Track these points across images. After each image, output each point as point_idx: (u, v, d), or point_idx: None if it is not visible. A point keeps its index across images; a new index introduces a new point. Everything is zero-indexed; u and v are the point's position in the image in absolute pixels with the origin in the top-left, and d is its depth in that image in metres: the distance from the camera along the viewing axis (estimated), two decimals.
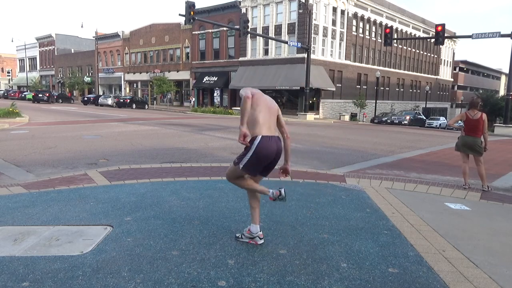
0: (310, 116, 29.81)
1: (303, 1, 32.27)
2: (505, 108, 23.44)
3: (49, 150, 9.37)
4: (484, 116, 6.46)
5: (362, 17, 40.50)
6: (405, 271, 3.17)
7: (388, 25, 39.82)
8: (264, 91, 4.86)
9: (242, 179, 3.53)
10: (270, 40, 35.41)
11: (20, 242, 3.50)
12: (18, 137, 11.84)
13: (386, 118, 33.29)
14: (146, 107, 42.94)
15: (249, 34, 26.37)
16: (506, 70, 29.63)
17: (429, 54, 53.39)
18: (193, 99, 40.66)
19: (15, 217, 4.18)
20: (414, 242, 3.81)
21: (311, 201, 5.19)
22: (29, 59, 71.87)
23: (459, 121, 7.46)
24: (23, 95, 51.47)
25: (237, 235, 3.75)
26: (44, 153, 8.93)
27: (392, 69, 45.90)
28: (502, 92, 74.49)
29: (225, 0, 38.94)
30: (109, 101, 43.07)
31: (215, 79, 39.70)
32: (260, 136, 3.30)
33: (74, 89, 58.33)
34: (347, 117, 36.49)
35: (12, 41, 64.46)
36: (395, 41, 39.06)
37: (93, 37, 58.17)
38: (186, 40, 43.28)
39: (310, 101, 31.97)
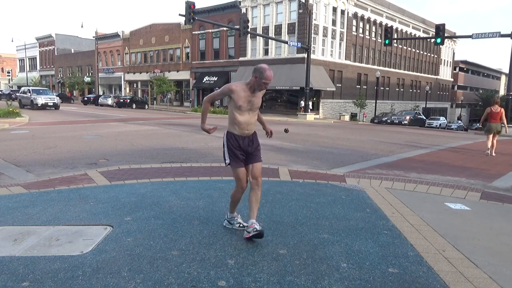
0: (310, 116, 29.81)
1: (303, 1, 32.27)
2: (505, 108, 23.44)
3: (49, 150, 9.37)
4: (502, 110, 11.19)
5: (362, 17, 40.50)
6: (405, 271, 3.17)
7: (388, 25, 39.82)
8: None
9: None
10: (270, 40, 35.41)
11: (20, 242, 3.50)
12: (18, 137, 11.84)
13: (386, 118, 33.27)
14: (146, 107, 42.96)
15: (249, 34, 26.37)
16: (506, 70, 29.64)
17: (429, 54, 53.40)
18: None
19: (15, 217, 4.18)
20: (414, 242, 3.80)
21: (311, 201, 5.18)
22: (29, 59, 71.87)
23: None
24: None
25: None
26: (44, 153, 8.93)
27: (392, 69, 45.91)
28: (502, 92, 74.47)
29: (225, 0, 38.94)
30: (109, 101, 43.12)
31: (215, 79, 39.69)
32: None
33: (74, 89, 58.35)
34: (347, 117, 36.49)
35: (12, 41, 64.37)
36: (395, 41, 39.06)
37: (93, 37, 58.18)
38: (186, 40, 43.28)
39: (310, 101, 31.97)
